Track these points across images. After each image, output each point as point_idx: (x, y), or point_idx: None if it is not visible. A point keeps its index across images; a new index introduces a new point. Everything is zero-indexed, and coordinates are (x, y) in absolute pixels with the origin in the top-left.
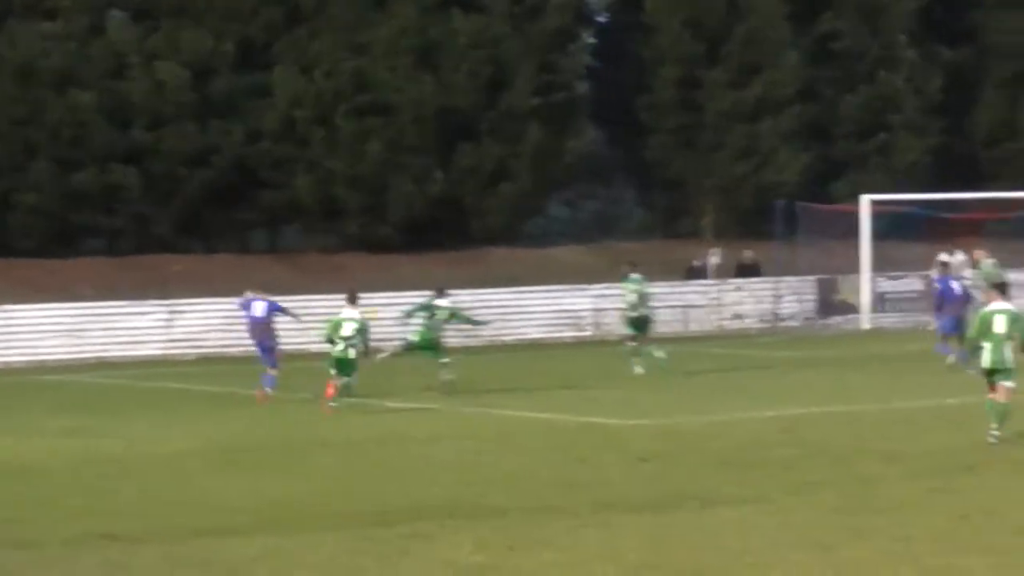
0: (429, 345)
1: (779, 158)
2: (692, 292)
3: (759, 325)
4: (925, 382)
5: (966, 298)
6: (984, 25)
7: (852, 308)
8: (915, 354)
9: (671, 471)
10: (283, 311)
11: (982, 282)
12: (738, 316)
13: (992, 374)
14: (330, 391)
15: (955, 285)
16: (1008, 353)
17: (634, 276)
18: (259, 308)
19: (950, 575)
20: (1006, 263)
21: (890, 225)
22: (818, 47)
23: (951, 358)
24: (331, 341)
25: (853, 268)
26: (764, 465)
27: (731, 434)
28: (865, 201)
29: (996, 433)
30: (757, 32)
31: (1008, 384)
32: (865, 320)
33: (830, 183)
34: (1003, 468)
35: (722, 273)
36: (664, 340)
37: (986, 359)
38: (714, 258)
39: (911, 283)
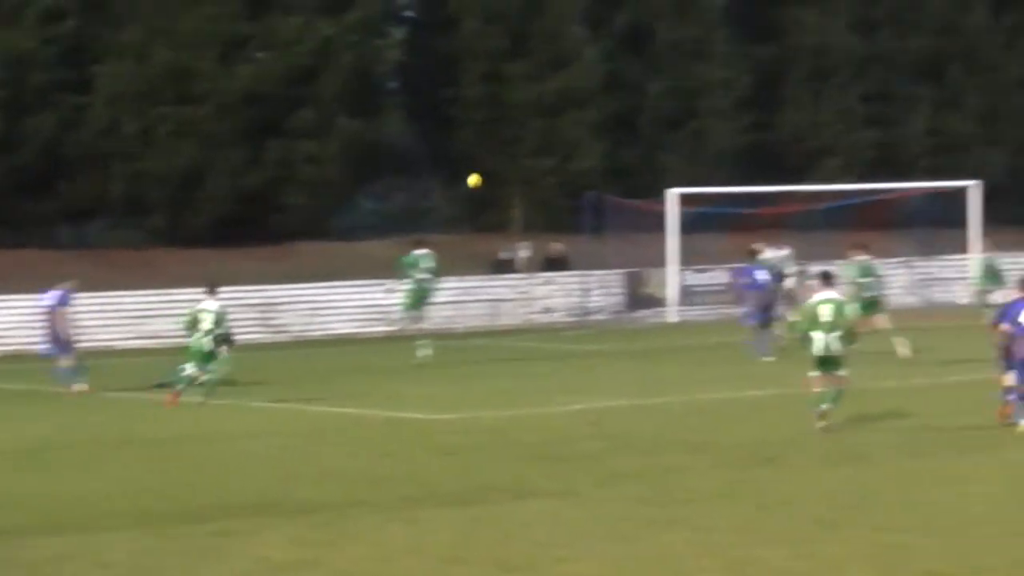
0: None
1: (583, 151)
2: (501, 286)
3: (567, 319)
4: (730, 374)
5: (771, 288)
6: (788, 23)
7: (659, 301)
8: (721, 346)
9: (479, 465)
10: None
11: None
12: (547, 310)
13: (822, 364)
14: (174, 398)
15: (760, 275)
16: (836, 342)
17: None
18: (52, 298)
19: (751, 565)
20: (811, 255)
21: (696, 219)
22: (627, 39)
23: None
24: (190, 333)
25: (660, 261)
26: (572, 457)
27: (539, 427)
28: (672, 195)
29: (824, 413)
30: (559, 25)
31: (840, 374)
32: (672, 313)
33: (637, 176)
34: (803, 460)
35: (531, 267)
36: (474, 334)
37: (816, 348)
38: (523, 252)
39: (717, 276)
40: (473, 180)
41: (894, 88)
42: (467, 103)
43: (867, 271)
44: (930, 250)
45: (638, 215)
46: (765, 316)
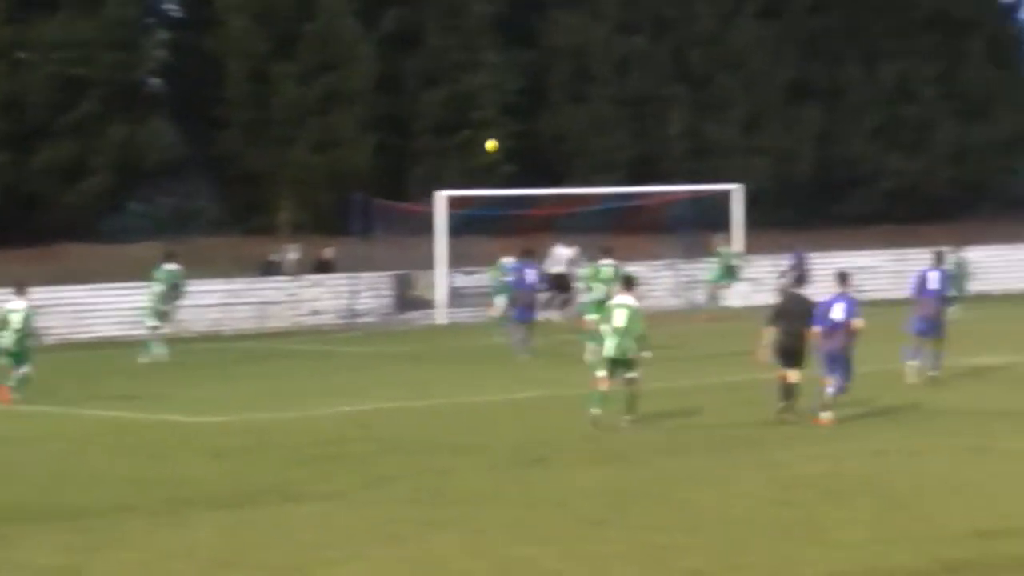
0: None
1: (352, 153)
2: (270, 288)
3: (336, 321)
4: (498, 376)
5: (537, 289)
6: (551, 26)
7: (428, 303)
8: (490, 348)
9: (248, 467)
10: None
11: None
12: (315, 312)
13: (613, 365)
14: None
15: (529, 275)
16: (629, 345)
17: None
18: None
19: (520, 565)
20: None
21: (465, 221)
22: (397, 42)
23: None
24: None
25: (429, 264)
26: (341, 460)
27: (308, 430)
28: (441, 198)
29: (596, 417)
30: (329, 26)
31: (632, 375)
32: (441, 315)
33: (407, 179)
34: (571, 460)
35: (300, 269)
36: (243, 337)
37: (608, 350)
38: (291, 254)
39: (485, 278)
40: (491, 145)
41: (656, 92)
42: (233, 104)
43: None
44: (694, 253)
45: (407, 217)
46: (528, 315)
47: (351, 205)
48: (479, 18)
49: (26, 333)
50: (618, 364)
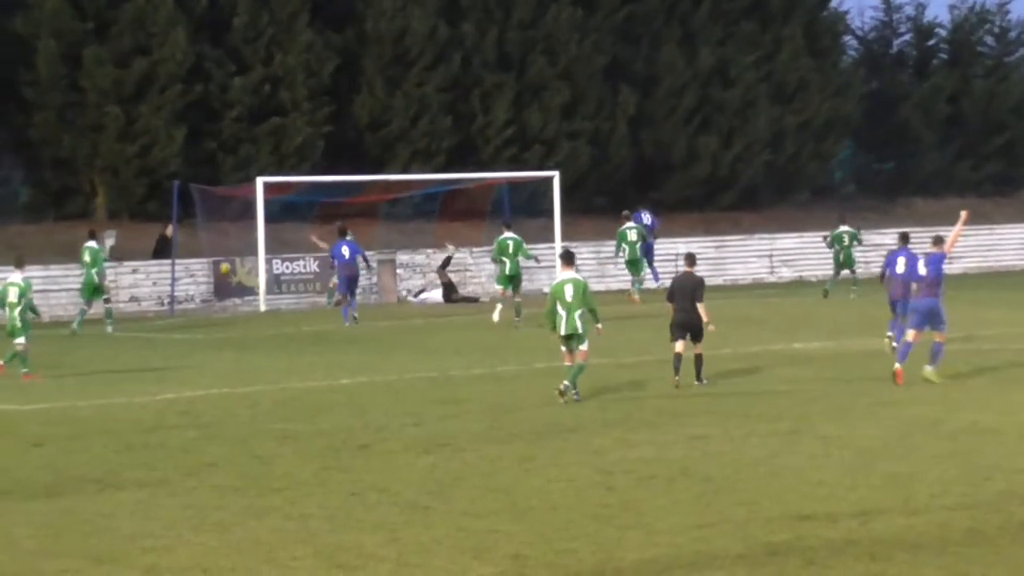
0: None
1: (166, 138)
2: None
3: (156, 308)
4: (321, 362)
5: (355, 263)
6: (368, 9)
7: (249, 290)
8: (312, 335)
9: (68, 456)
10: None
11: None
12: (135, 299)
13: (568, 340)
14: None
15: (346, 250)
16: (579, 320)
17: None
18: None
19: (344, 551)
20: (400, 243)
21: (285, 208)
22: (210, 27)
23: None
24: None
25: (249, 250)
26: (163, 447)
27: (129, 417)
28: (259, 183)
29: (575, 392)
30: (143, 11)
31: (583, 348)
32: (262, 302)
33: (222, 164)
34: (395, 447)
35: (121, 255)
36: (61, 324)
37: (562, 327)
38: (108, 240)
39: (305, 264)
40: (224, 268)
41: (475, 78)
42: (44, 86)
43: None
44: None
45: (226, 203)
46: (351, 287)
47: (168, 191)
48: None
49: (24, 307)
50: (571, 339)
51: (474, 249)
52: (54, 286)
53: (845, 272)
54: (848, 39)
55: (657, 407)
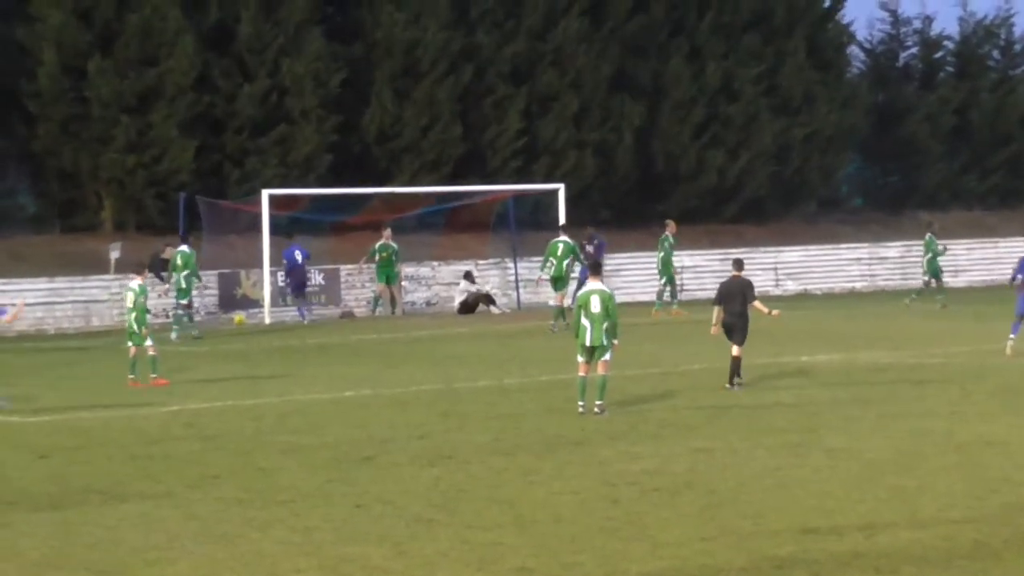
0: None
1: (173, 150)
2: (94, 287)
3: (162, 320)
4: (326, 375)
5: (305, 267)
6: (373, 21)
7: (255, 302)
8: (317, 347)
9: (73, 467)
10: None
11: None
12: None
13: (592, 351)
14: None
15: (297, 256)
16: (605, 332)
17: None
18: None
19: (348, 564)
20: (408, 256)
21: (293, 221)
22: (216, 37)
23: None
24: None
25: (255, 262)
26: (167, 459)
27: (135, 428)
28: (265, 195)
29: (598, 405)
30: (150, 21)
31: (606, 359)
32: (267, 314)
33: (228, 176)
34: (399, 459)
35: (124, 268)
36: (66, 336)
37: (586, 337)
38: (113, 252)
39: (312, 277)
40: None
41: (485, 89)
42: (49, 98)
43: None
44: (522, 251)
45: (232, 216)
46: (301, 289)
47: (174, 204)
48: (299, 10)
49: (139, 312)
50: (595, 350)
51: (479, 262)
52: (59, 298)
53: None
54: (855, 51)
55: (662, 419)
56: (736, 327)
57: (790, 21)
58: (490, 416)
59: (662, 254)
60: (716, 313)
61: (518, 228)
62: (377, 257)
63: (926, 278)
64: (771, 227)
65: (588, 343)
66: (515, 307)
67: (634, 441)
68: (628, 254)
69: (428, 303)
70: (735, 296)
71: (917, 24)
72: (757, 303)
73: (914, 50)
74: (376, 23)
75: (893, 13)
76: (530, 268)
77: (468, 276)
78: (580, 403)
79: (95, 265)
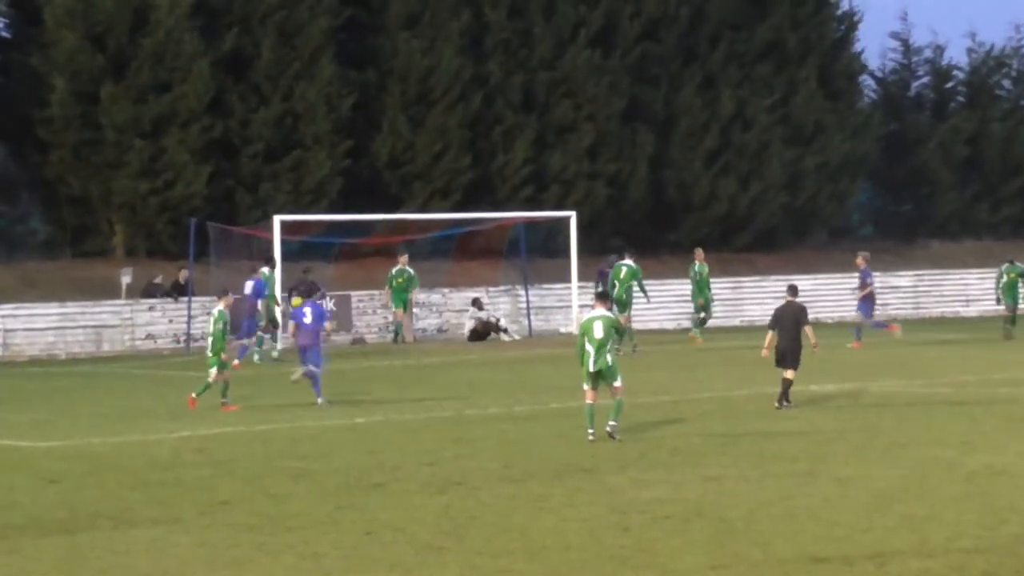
0: None
1: (185, 175)
2: (105, 312)
3: (172, 345)
4: (336, 401)
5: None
6: (387, 48)
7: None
8: (326, 373)
9: (83, 492)
10: None
11: None
12: (151, 336)
13: (595, 378)
14: None
15: (248, 284)
16: (611, 356)
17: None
18: None
19: None
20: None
21: (304, 247)
22: (230, 63)
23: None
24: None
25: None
26: (177, 485)
27: (145, 454)
28: (276, 221)
29: (611, 426)
30: (164, 46)
31: (616, 384)
32: (279, 339)
33: (240, 202)
34: (409, 486)
35: (135, 293)
36: (78, 361)
37: (590, 363)
38: (125, 277)
39: (326, 303)
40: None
41: (495, 118)
42: (61, 124)
43: None
44: (533, 279)
45: (243, 242)
46: (251, 325)
47: (186, 229)
48: (313, 36)
49: (216, 337)
50: (599, 376)
51: (490, 288)
52: (70, 323)
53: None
54: (867, 81)
55: (672, 447)
56: (789, 352)
57: (802, 50)
58: (500, 443)
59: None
60: (769, 338)
61: (529, 256)
62: (393, 283)
63: (1010, 303)
64: (783, 256)
65: (592, 368)
66: (526, 334)
67: (645, 469)
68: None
69: (439, 330)
70: (789, 321)
71: (928, 54)
72: (808, 329)
73: (925, 80)
74: (393, 50)
75: (904, 43)
76: (541, 295)
77: (476, 303)
78: (590, 431)
79: (106, 290)
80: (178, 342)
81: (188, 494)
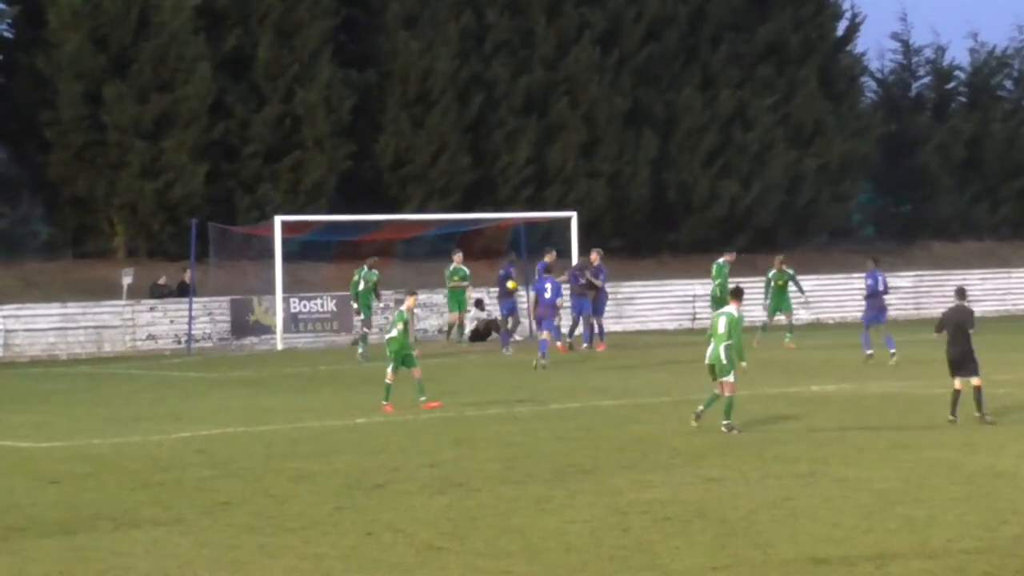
0: None
1: (185, 176)
2: (106, 312)
3: (173, 346)
4: (337, 401)
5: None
6: (387, 48)
7: (266, 328)
8: (328, 374)
9: (84, 493)
10: None
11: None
12: (152, 337)
13: (711, 369)
14: None
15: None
16: (726, 352)
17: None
18: None
19: None
20: (417, 283)
21: (303, 247)
22: (231, 64)
23: None
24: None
25: (267, 288)
26: (178, 485)
27: (146, 455)
28: (277, 222)
29: (726, 423)
30: (167, 47)
31: (728, 379)
32: (279, 340)
33: (240, 202)
34: (410, 487)
35: (136, 293)
36: (78, 361)
37: (707, 355)
38: (126, 278)
39: (323, 303)
40: None
41: (497, 118)
42: (64, 125)
43: None
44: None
45: (244, 242)
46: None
47: (186, 229)
48: (313, 37)
49: (401, 335)
50: (715, 370)
51: (491, 289)
52: (71, 324)
53: None
54: (867, 81)
55: (673, 448)
56: (959, 357)
57: (803, 51)
58: (501, 444)
59: (719, 281)
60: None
61: (529, 256)
62: (449, 283)
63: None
64: (783, 255)
65: (706, 361)
66: (527, 335)
67: (645, 470)
68: (640, 283)
69: (440, 330)
70: (956, 324)
71: (929, 54)
72: (971, 332)
73: (926, 80)
74: (392, 50)
75: (905, 43)
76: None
77: (479, 304)
78: (724, 422)
79: (107, 291)
80: (179, 342)
81: (189, 495)
